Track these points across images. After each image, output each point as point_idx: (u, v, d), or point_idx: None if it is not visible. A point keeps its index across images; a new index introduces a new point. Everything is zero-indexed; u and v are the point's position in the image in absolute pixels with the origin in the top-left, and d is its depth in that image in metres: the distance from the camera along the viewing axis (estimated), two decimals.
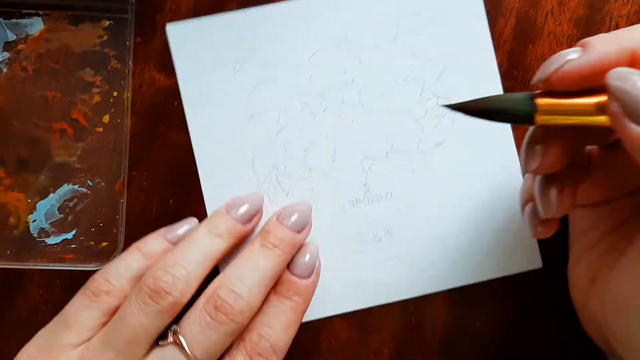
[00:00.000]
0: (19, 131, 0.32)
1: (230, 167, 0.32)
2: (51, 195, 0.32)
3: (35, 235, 0.32)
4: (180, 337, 0.27)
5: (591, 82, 0.22)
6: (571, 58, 0.22)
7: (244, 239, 0.31)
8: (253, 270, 0.28)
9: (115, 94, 0.32)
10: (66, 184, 0.32)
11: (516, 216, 0.32)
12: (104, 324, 0.28)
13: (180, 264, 0.28)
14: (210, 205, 0.32)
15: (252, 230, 0.31)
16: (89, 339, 0.27)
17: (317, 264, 0.31)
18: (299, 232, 0.30)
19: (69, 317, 0.28)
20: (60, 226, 0.32)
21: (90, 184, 0.32)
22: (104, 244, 0.32)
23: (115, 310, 0.28)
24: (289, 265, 0.30)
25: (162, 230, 0.31)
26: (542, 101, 0.22)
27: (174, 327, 0.27)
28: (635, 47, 0.21)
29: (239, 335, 0.28)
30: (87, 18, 0.32)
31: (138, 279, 0.28)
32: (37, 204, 0.32)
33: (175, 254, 0.28)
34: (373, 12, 0.33)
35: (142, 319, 0.27)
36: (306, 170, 0.32)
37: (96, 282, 0.28)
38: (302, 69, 0.32)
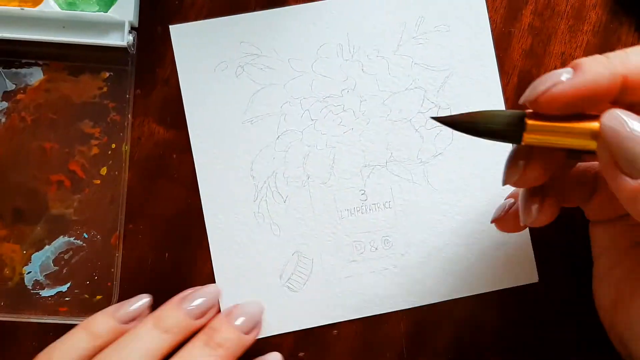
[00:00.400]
0: (15, 182, 0.32)
1: (229, 172, 0.32)
2: (47, 247, 0.32)
3: (30, 287, 0.31)
4: None
5: (579, 106, 0.21)
6: (561, 80, 0.21)
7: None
8: None
9: (113, 146, 0.32)
10: (62, 236, 0.32)
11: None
12: None
13: (122, 359, 0.27)
14: (208, 211, 0.32)
15: (201, 326, 0.30)
16: None
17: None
18: (247, 333, 0.30)
19: None
20: (55, 278, 0.31)
21: (86, 236, 0.32)
22: (98, 297, 0.32)
23: None
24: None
25: (111, 309, 0.30)
26: (531, 122, 0.22)
27: None
28: (628, 74, 0.21)
29: None
30: (87, 69, 0.32)
31: (82, 359, 0.27)
32: (33, 256, 0.31)
33: (113, 349, 0.27)
34: (376, 20, 0.33)
35: None
36: (304, 176, 0.32)
37: None
38: (304, 75, 0.32)
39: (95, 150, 0.32)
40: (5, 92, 0.32)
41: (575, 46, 0.33)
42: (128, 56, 0.32)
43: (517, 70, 0.33)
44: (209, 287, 0.31)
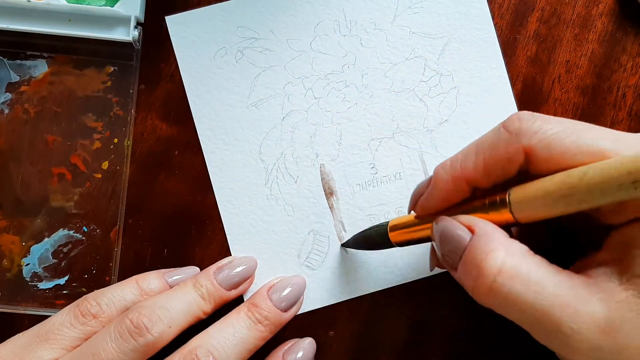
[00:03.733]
0: (17, 173, 0.32)
1: (238, 157, 0.32)
2: (46, 239, 0.32)
3: (28, 279, 0.31)
4: None
5: (446, 203, 0.25)
6: (421, 193, 0.26)
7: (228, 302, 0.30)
8: (235, 338, 0.28)
9: (115, 140, 0.32)
10: (61, 229, 0.32)
11: None
12: (81, 343, 0.27)
13: (166, 307, 0.28)
14: (221, 199, 0.32)
15: (237, 296, 0.31)
16: (60, 357, 0.27)
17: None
18: (286, 310, 0.30)
19: (51, 331, 0.27)
20: (53, 271, 0.31)
21: (86, 230, 0.32)
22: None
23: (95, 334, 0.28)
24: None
25: (163, 271, 0.31)
26: (391, 233, 0.28)
27: None
28: (466, 176, 0.24)
29: None
30: (92, 63, 0.32)
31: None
32: (32, 248, 0.31)
33: (162, 297, 0.28)
34: None
35: (113, 355, 0.26)
36: (313, 155, 0.32)
37: (87, 302, 0.28)
38: (303, 54, 0.33)
39: (97, 144, 0.32)
40: (9, 84, 0.32)
41: (580, 54, 0.33)
42: (133, 51, 0.32)
43: (521, 77, 0.33)
44: (244, 259, 0.31)
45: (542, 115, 0.23)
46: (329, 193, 0.32)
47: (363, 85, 0.33)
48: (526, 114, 0.23)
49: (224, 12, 0.32)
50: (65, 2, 0.31)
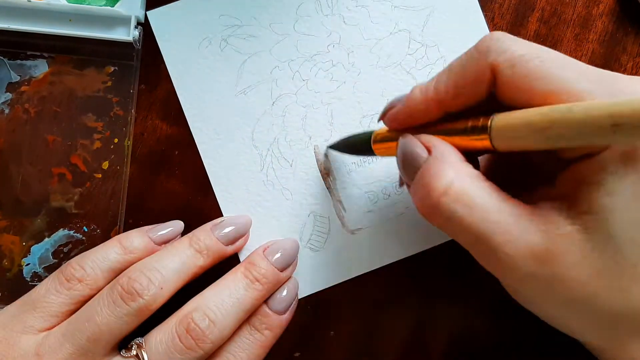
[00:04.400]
0: (17, 173, 0.32)
1: (231, 146, 0.32)
2: (46, 239, 0.32)
3: (28, 279, 0.31)
4: (144, 353, 0.26)
5: (417, 121, 0.25)
6: (394, 106, 0.26)
7: (223, 259, 0.31)
8: (232, 299, 0.28)
9: (116, 140, 0.32)
10: (62, 229, 0.32)
11: None
12: (71, 311, 0.28)
13: (157, 268, 0.28)
14: (218, 189, 0.32)
15: (233, 253, 0.31)
16: (52, 325, 0.27)
17: (294, 301, 0.31)
18: (283, 269, 0.30)
19: (37, 299, 0.27)
20: (53, 271, 0.31)
21: (86, 230, 0.32)
22: None
23: (84, 299, 0.28)
24: (266, 299, 0.30)
25: (145, 228, 0.30)
26: (375, 145, 0.28)
27: (139, 340, 0.27)
28: (438, 97, 0.24)
29: None
30: (92, 63, 0.32)
31: (113, 271, 0.28)
32: (32, 248, 0.31)
33: (153, 258, 0.28)
34: None
35: (107, 319, 0.26)
36: (306, 137, 0.32)
37: (71, 267, 0.28)
38: (288, 37, 0.32)
39: (97, 144, 0.32)
40: (9, 84, 0.32)
41: (581, 55, 0.33)
42: (133, 51, 0.32)
43: None
44: (240, 217, 0.31)
45: (514, 37, 0.22)
46: (325, 174, 0.32)
47: (350, 64, 0.33)
48: (498, 33, 0.23)
49: (204, 2, 0.32)
50: (66, 2, 0.31)
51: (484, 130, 0.22)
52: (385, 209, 0.32)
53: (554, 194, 0.22)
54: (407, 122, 0.25)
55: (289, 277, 0.31)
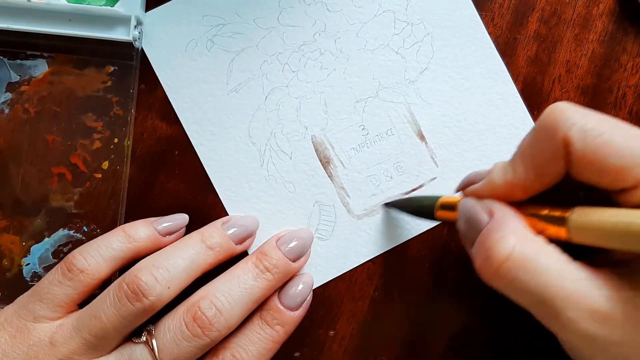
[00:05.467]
0: (17, 173, 0.32)
1: (229, 145, 0.32)
2: (46, 239, 0.32)
3: (28, 279, 0.31)
4: (153, 340, 0.27)
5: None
6: (473, 181, 0.26)
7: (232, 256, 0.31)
8: (240, 289, 0.28)
9: (116, 140, 0.32)
10: (62, 229, 0.32)
11: (515, 121, 0.33)
12: (76, 300, 0.28)
13: (165, 266, 0.28)
14: (220, 189, 0.32)
15: (241, 252, 0.31)
16: (61, 316, 0.28)
17: (308, 297, 0.31)
18: (294, 260, 0.30)
19: (42, 289, 0.28)
20: None
21: (86, 230, 0.32)
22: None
23: (89, 288, 0.28)
24: (279, 294, 0.30)
25: (151, 219, 0.31)
26: (438, 212, 0.28)
27: (150, 327, 0.28)
28: (518, 184, 0.24)
29: (213, 349, 0.28)
30: (92, 63, 0.32)
31: (116, 260, 0.29)
32: (32, 248, 0.31)
33: (162, 254, 0.28)
34: None
35: (112, 318, 0.27)
36: (302, 128, 0.32)
37: (73, 258, 0.28)
38: (273, 31, 0.33)
39: (97, 144, 0.32)
40: (9, 84, 0.32)
41: (581, 55, 0.33)
42: (133, 51, 0.32)
43: (521, 77, 0.33)
44: (247, 218, 0.31)
45: (576, 107, 0.22)
46: (325, 162, 0.32)
47: (338, 50, 0.33)
48: (561, 105, 0.22)
49: (186, 4, 0.32)
50: (66, 2, 0.31)
51: (561, 221, 0.22)
52: (389, 191, 0.32)
53: (614, 258, 0.22)
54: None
55: (301, 267, 0.31)
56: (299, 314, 0.30)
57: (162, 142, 0.32)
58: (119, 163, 0.32)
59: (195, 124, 0.32)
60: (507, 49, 0.33)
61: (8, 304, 0.31)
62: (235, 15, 0.32)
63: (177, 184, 0.32)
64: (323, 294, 0.32)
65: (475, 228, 0.23)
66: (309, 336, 0.32)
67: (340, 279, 0.32)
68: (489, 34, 0.33)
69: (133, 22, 0.31)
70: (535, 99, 0.33)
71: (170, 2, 0.32)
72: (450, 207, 0.27)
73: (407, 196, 0.32)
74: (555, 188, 0.23)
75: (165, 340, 0.27)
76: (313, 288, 0.31)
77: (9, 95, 0.32)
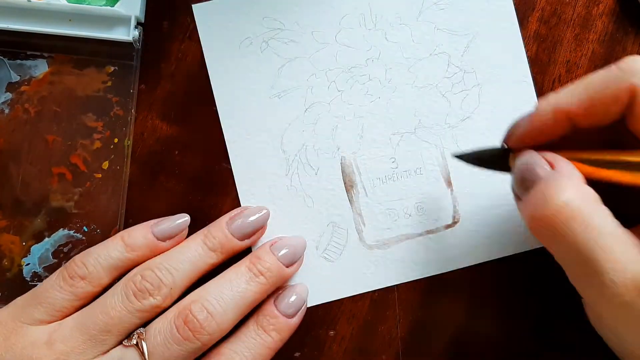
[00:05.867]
0: (17, 173, 0.32)
1: (259, 147, 0.32)
2: (46, 239, 0.32)
3: (28, 279, 0.31)
4: (143, 343, 0.27)
5: (544, 138, 0.25)
6: (520, 125, 0.26)
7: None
8: (233, 292, 0.28)
9: (116, 140, 0.32)
10: (62, 229, 0.32)
11: None
12: (75, 307, 0.28)
13: (168, 269, 0.28)
14: (241, 188, 0.32)
15: (247, 247, 0.31)
16: (59, 319, 0.28)
17: (303, 306, 0.31)
18: (288, 265, 0.30)
19: (41, 294, 0.28)
20: (53, 271, 0.31)
21: (86, 230, 0.32)
22: None
23: (88, 296, 0.28)
24: (275, 301, 0.30)
25: (150, 222, 0.30)
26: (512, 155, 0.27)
27: (140, 329, 0.27)
28: (569, 110, 0.24)
29: (207, 354, 0.28)
30: (92, 63, 0.32)
31: (116, 269, 0.29)
32: (32, 248, 0.31)
33: (166, 257, 0.29)
34: None
35: (121, 312, 0.27)
36: (334, 148, 0.32)
37: (74, 264, 0.28)
38: (328, 47, 0.33)
39: (97, 144, 0.32)
40: (9, 84, 0.32)
41: (581, 55, 0.33)
42: (133, 51, 0.32)
43: None
44: (257, 208, 0.31)
45: None
46: (349, 186, 0.32)
47: (386, 80, 0.33)
48: None
49: (250, 2, 0.33)
50: (66, 2, 0.31)
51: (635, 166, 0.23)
52: (405, 228, 0.32)
53: None
54: (537, 138, 0.25)
55: (294, 273, 0.31)
56: (294, 321, 0.30)
57: (162, 142, 0.32)
58: (119, 163, 0.32)
59: (231, 119, 0.32)
60: None
61: (7, 304, 0.31)
62: (295, 23, 0.33)
63: (177, 184, 0.32)
64: None
65: (533, 176, 0.24)
66: (309, 336, 0.32)
67: None
68: None
69: (133, 22, 0.31)
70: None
71: None
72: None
73: (472, 150, 0.30)
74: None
75: (156, 344, 0.27)
76: (308, 306, 0.31)
77: (9, 95, 0.32)
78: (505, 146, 0.27)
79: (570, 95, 0.24)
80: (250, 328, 0.29)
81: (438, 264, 0.32)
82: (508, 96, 0.33)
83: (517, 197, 0.25)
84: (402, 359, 0.32)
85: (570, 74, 0.33)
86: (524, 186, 0.24)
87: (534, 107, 0.25)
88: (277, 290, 0.31)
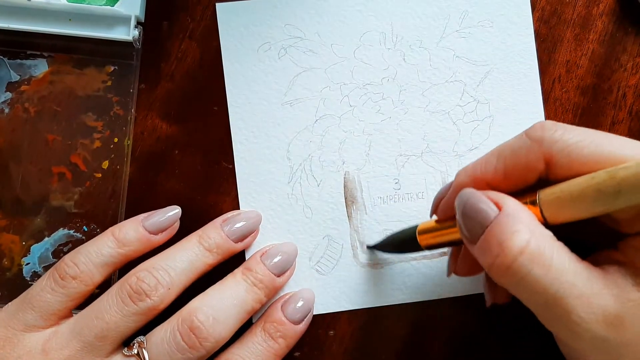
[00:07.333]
0: (17, 173, 0.32)
1: (265, 152, 0.32)
2: (46, 239, 0.32)
3: (28, 279, 0.31)
4: (145, 352, 0.27)
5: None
6: (443, 196, 0.27)
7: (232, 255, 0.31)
8: (233, 300, 0.28)
9: (116, 140, 0.32)
10: (61, 229, 0.32)
11: None
12: (69, 308, 0.28)
13: (165, 269, 0.28)
14: (242, 191, 0.32)
15: (242, 249, 0.31)
16: (53, 324, 0.27)
17: (310, 311, 0.31)
18: (279, 275, 0.30)
19: (34, 298, 0.27)
20: None
21: (86, 229, 0.32)
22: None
23: (81, 295, 0.28)
24: (282, 306, 0.30)
25: (141, 217, 0.30)
26: (420, 236, 0.28)
27: (141, 338, 0.27)
28: (486, 179, 0.24)
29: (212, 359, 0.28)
30: (92, 62, 0.32)
31: (108, 266, 0.28)
32: (32, 247, 0.31)
33: (162, 257, 0.28)
34: (421, 11, 0.33)
35: (116, 317, 0.27)
36: (340, 162, 0.32)
37: (64, 264, 0.28)
38: (346, 61, 0.33)
39: (97, 144, 0.32)
40: (9, 83, 0.32)
41: (581, 54, 0.33)
42: (133, 50, 0.32)
43: None
44: (250, 212, 0.31)
45: (564, 124, 0.23)
46: (350, 201, 0.32)
47: (399, 101, 0.33)
48: (549, 123, 0.23)
49: (274, 8, 0.33)
50: (66, 2, 0.31)
51: (533, 205, 0.22)
52: None
53: (617, 259, 0.22)
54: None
55: (286, 282, 0.31)
56: (301, 327, 0.30)
57: (162, 141, 0.32)
58: (119, 162, 0.32)
59: (241, 121, 0.32)
60: None
61: (7, 304, 0.31)
62: (315, 34, 0.33)
63: (177, 184, 0.32)
64: None
65: (481, 221, 0.22)
66: (309, 336, 0.32)
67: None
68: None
69: (133, 22, 0.31)
70: None
71: (259, 0, 0.33)
72: (431, 230, 0.27)
73: (385, 236, 0.31)
74: None
75: (158, 352, 0.26)
76: None
77: (9, 95, 0.32)
78: (430, 218, 0.28)
79: (487, 165, 0.24)
80: (257, 334, 0.29)
81: (430, 290, 0.32)
82: (519, 132, 0.32)
83: (468, 241, 0.23)
84: (403, 358, 0.32)
85: (570, 74, 0.33)
86: (473, 232, 0.23)
87: (455, 177, 0.26)
88: (284, 295, 0.31)
